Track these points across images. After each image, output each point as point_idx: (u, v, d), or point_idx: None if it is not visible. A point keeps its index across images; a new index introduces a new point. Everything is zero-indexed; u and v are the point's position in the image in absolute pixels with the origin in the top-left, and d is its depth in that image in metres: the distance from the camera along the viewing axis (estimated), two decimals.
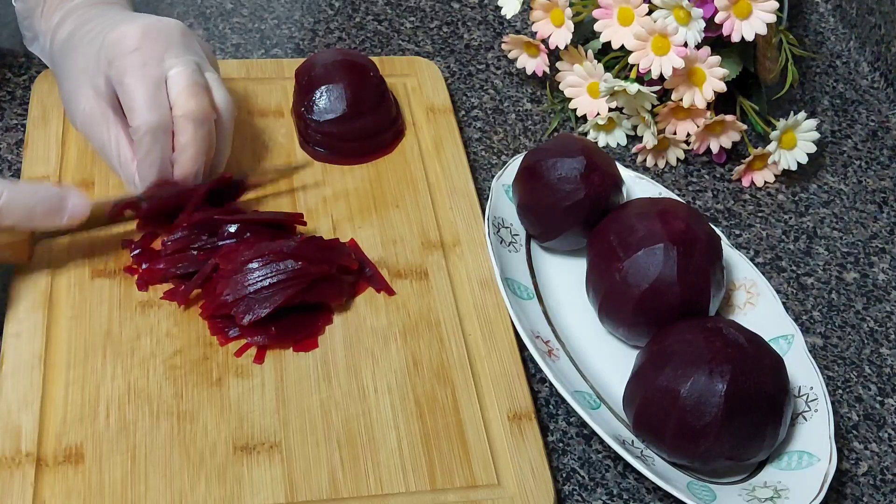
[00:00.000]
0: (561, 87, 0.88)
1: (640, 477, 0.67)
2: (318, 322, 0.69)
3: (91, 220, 0.68)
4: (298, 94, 0.80)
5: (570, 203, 0.72)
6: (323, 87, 0.79)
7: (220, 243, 0.70)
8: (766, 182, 0.87)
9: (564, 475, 0.66)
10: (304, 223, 0.73)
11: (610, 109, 0.86)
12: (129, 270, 0.70)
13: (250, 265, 0.67)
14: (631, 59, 0.82)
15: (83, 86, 0.70)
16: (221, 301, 0.67)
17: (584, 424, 0.69)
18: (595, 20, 0.83)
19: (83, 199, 0.66)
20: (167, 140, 0.68)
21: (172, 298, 0.68)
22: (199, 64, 0.70)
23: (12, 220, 0.64)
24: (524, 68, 0.89)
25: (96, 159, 0.76)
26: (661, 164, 0.87)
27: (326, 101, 0.78)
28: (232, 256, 0.68)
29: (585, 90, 0.87)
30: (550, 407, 0.69)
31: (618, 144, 0.88)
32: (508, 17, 0.89)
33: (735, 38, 0.81)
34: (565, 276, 0.76)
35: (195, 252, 0.70)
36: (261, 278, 0.67)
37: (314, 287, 0.68)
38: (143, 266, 0.69)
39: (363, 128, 0.79)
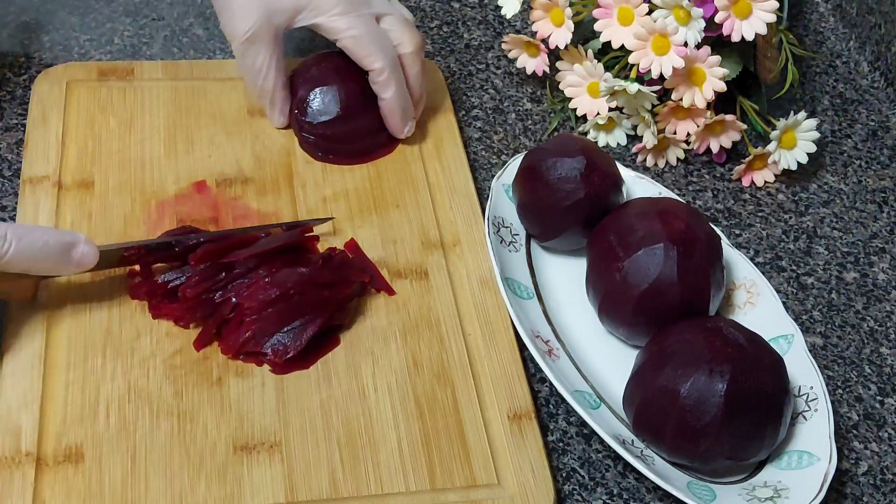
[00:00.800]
0: (561, 86, 0.88)
1: (640, 476, 0.67)
2: (328, 344, 0.68)
3: (99, 265, 0.67)
4: (294, 95, 0.80)
5: (570, 203, 0.72)
6: (317, 89, 0.79)
7: (234, 283, 0.68)
8: (766, 182, 0.87)
9: (564, 475, 0.66)
10: (317, 241, 0.73)
11: (610, 109, 0.86)
12: (131, 273, 0.69)
13: (275, 303, 0.67)
14: (631, 59, 0.82)
15: (254, 9, 0.75)
16: (246, 339, 0.66)
17: (584, 424, 0.69)
18: (595, 20, 0.83)
19: (92, 247, 0.65)
20: (401, 72, 0.78)
21: (185, 327, 0.68)
22: (396, 3, 0.80)
23: (19, 268, 0.62)
24: (524, 68, 0.89)
25: (96, 159, 0.76)
26: (661, 163, 0.87)
27: (320, 103, 0.79)
28: (253, 295, 0.67)
29: (585, 90, 0.87)
30: (550, 406, 0.69)
31: (618, 144, 0.88)
32: (508, 16, 0.89)
33: (735, 38, 0.81)
34: (565, 275, 0.76)
35: (212, 295, 0.68)
36: (288, 315, 0.67)
37: (335, 311, 0.68)
38: (155, 299, 0.68)
39: (358, 129, 0.80)
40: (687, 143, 0.86)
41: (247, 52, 0.76)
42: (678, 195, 0.83)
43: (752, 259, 0.80)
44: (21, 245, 0.61)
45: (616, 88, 0.82)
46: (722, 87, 0.81)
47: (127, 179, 0.75)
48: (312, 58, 0.82)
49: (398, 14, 0.79)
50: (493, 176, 0.82)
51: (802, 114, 0.83)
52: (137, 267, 0.69)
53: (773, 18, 0.80)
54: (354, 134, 0.80)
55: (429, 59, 0.90)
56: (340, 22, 0.76)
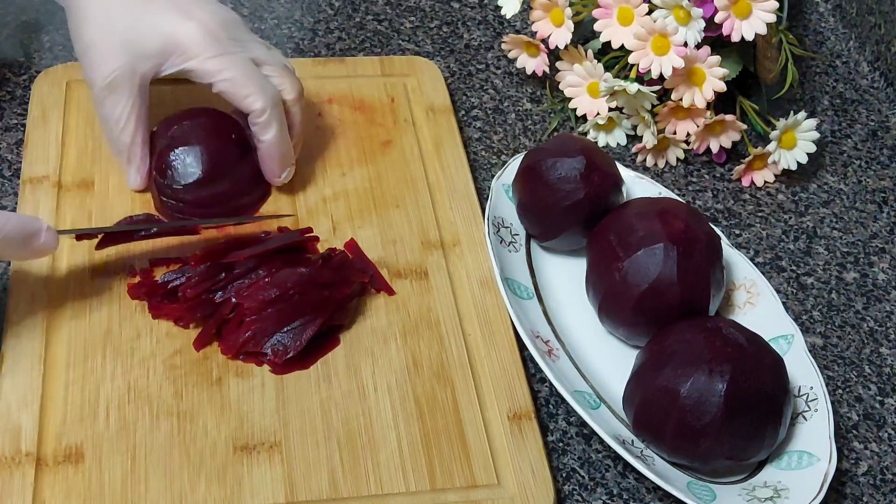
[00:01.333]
0: (561, 86, 0.88)
1: (640, 477, 0.67)
2: (328, 344, 0.68)
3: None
4: (152, 155, 0.73)
5: (570, 203, 0.72)
6: (178, 149, 0.72)
7: (234, 283, 0.68)
8: (765, 182, 0.87)
9: (564, 475, 0.66)
10: (317, 242, 0.73)
11: (610, 109, 0.86)
12: (131, 274, 0.70)
13: (275, 303, 0.67)
14: (631, 59, 0.82)
15: (117, 56, 0.69)
16: (246, 339, 0.66)
17: (584, 424, 0.69)
18: (595, 20, 0.83)
19: (53, 234, 0.63)
20: (283, 114, 0.73)
21: (185, 327, 0.68)
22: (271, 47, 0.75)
23: None
24: (524, 68, 0.89)
25: (96, 159, 0.76)
26: (661, 163, 0.87)
27: (181, 165, 0.72)
28: (252, 295, 0.67)
29: (585, 90, 0.87)
30: (550, 407, 0.69)
31: (618, 144, 0.88)
32: (508, 16, 0.89)
33: (735, 38, 0.81)
34: (565, 276, 0.76)
35: (212, 295, 0.68)
36: (288, 315, 0.67)
37: (335, 311, 0.68)
38: (155, 299, 0.68)
39: (223, 192, 0.73)
40: (687, 143, 0.86)
41: (105, 100, 0.70)
42: (678, 195, 0.83)
43: (751, 259, 0.80)
44: None
45: (616, 88, 0.82)
46: (722, 87, 0.81)
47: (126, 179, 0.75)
48: (176, 114, 0.75)
49: (278, 61, 0.73)
50: (493, 176, 0.82)
51: (802, 114, 0.83)
52: (137, 267, 0.70)
53: (772, 18, 0.80)
54: (218, 198, 0.73)
55: (429, 58, 0.90)
56: (214, 64, 0.70)
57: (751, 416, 0.63)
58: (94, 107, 0.72)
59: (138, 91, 0.70)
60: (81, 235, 0.69)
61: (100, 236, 0.69)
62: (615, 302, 0.69)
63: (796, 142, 0.84)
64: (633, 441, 0.66)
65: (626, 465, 0.67)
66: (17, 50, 0.85)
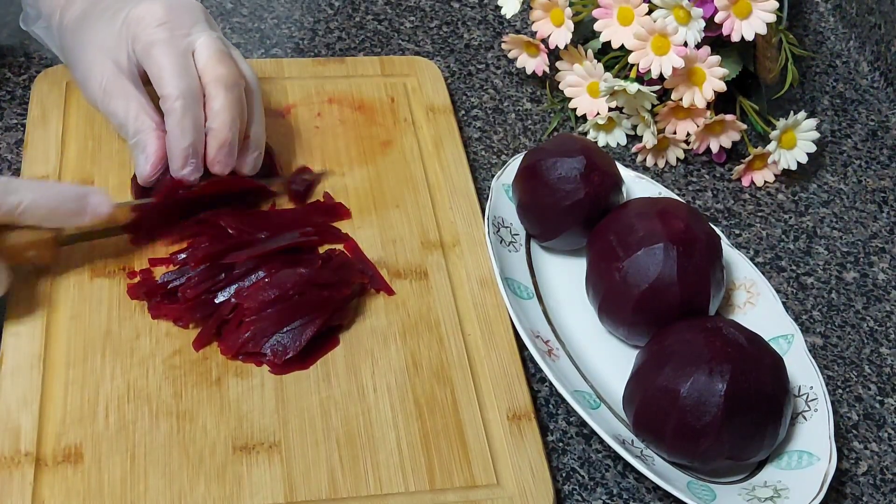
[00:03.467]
0: (561, 86, 0.88)
1: (640, 476, 0.67)
2: (327, 344, 0.68)
3: (116, 222, 0.69)
4: None
5: (570, 203, 0.72)
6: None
7: (234, 283, 0.68)
8: (765, 182, 0.87)
9: (564, 475, 0.66)
10: (319, 245, 0.73)
11: (610, 109, 0.86)
12: (130, 274, 0.69)
13: (274, 303, 0.67)
14: (631, 59, 0.82)
15: (102, 62, 0.70)
16: (245, 339, 0.66)
17: (583, 424, 0.69)
18: (595, 20, 0.83)
19: (106, 197, 0.66)
20: (199, 107, 0.68)
21: (184, 327, 0.68)
22: (222, 39, 0.72)
23: (35, 219, 0.64)
24: (524, 68, 0.89)
25: (96, 159, 0.76)
26: (661, 163, 0.87)
27: None
28: (252, 295, 0.67)
29: (585, 90, 0.87)
30: (550, 406, 0.69)
31: (618, 144, 0.88)
32: (508, 16, 0.89)
33: (735, 38, 0.81)
34: (565, 275, 0.76)
35: (212, 295, 0.68)
36: (288, 315, 0.67)
37: (335, 311, 0.68)
38: (154, 300, 0.68)
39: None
40: (687, 142, 0.86)
41: (109, 107, 0.70)
42: (678, 195, 0.83)
43: (751, 259, 0.80)
44: (36, 195, 0.63)
45: (616, 88, 0.82)
46: (722, 87, 0.81)
47: (127, 179, 0.75)
48: None
49: (214, 41, 0.70)
50: (492, 176, 0.82)
51: (802, 114, 0.83)
52: (136, 267, 0.70)
53: (772, 18, 0.80)
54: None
55: (429, 58, 0.90)
56: (148, 48, 0.68)
57: (751, 415, 0.62)
58: (111, 122, 0.72)
59: (133, 84, 0.70)
60: (140, 208, 0.70)
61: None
62: (615, 302, 0.69)
63: (796, 142, 0.84)
64: (632, 441, 0.66)
65: (626, 464, 0.67)
66: (17, 50, 0.85)
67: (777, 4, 0.80)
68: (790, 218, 0.85)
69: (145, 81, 0.71)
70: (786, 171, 0.87)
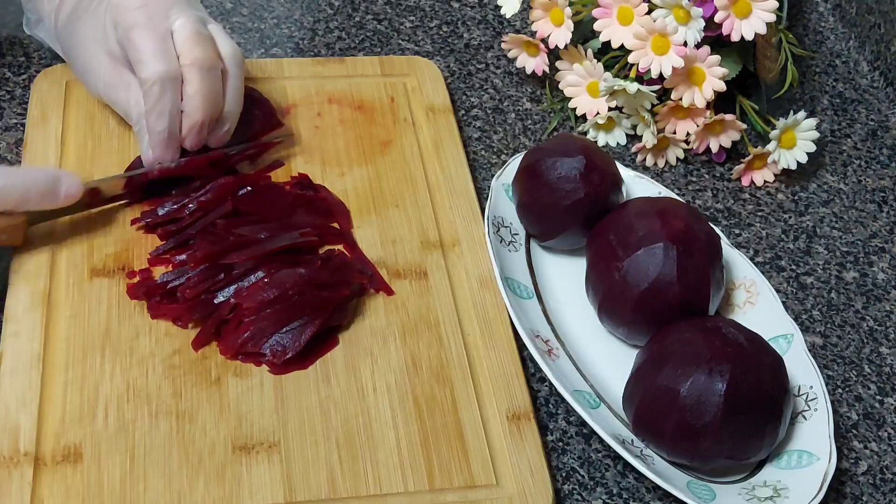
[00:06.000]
0: (560, 86, 0.88)
1: (639, 476, 0.67)
2: (327, 344, 0.68)
3: (87, 201, 0.70)
4: None
5: (570, 202, 0.72)
6: None
7: (233, 283, 0.68)
8: (765, 181, 0.87)
9: (564, 474, 0.66)
10: (319, 245, 0.73)
11: (609, 109, 0.86)
12: (130, 274, 0.69)
13: (274, 303, 0.67)
14: (630, 59, 0.82)
15: (97, 54, 0.72)
16: (245, 339, 0.66)
17: (583, 424, 0.69)
18: (595, 19, 0.83)
19: (76, 179, 0.67)
20: (176, 90, 0.69)
21: (184, 327, 0.68)
22: (202, 17, 0.72)
23: (8, 203, 0.65)
24: (524, 67, 0.89)
25: (96, 158, 0.76)
26: (661, 163, 0.87)
27: None
28: (252, 295, 0.67)
29: (585, 89, 0.87)
30: (550, 406, 0.69)
31: (617, 144, 0.88)
32: (508, 16, 0.89)
33: (735, 38, 0.81)
34: (565, 275, 0.76)
35: (211, 295, 0.68)
36: (287, 315, 0.67)
37: (334, 311, 0.68)
38: (154, 299, 0.68)
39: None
40: (686, 142, 0.86)
41: (112, 99, 0.73)
42: (678, 195, 0.83)
43: (751, 259, 0.80)
44: (7, 179, 0.64)
45: (616, 88, 0.82)
46: (721, 86, 0.81)
47: None
48: None
49: (191, 23, 0.70)
50: (492, 175, 0.82)
51: (802, 113, 0.83)
52: (136, 267, 0.70)
53: (772, 18, 0.80)
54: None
55: (428, 58, 0.90)
56: (129, 30, 0.69)
57: (750, 415, 0.62)
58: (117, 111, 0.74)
59: (130, 72, 0.71)
60: (112, 185, 0.71)
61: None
62: (615, 301, 0.69)
63: (796, 141, 0.84)
64: (632, 440, 0.66)
65: (626, 464, 0.67)
66: (17, 50, 0.85)
67: (777, 4, 0.80)
68: (790, 217, 0.85)
69: None
70: (785, 171, 0.87)
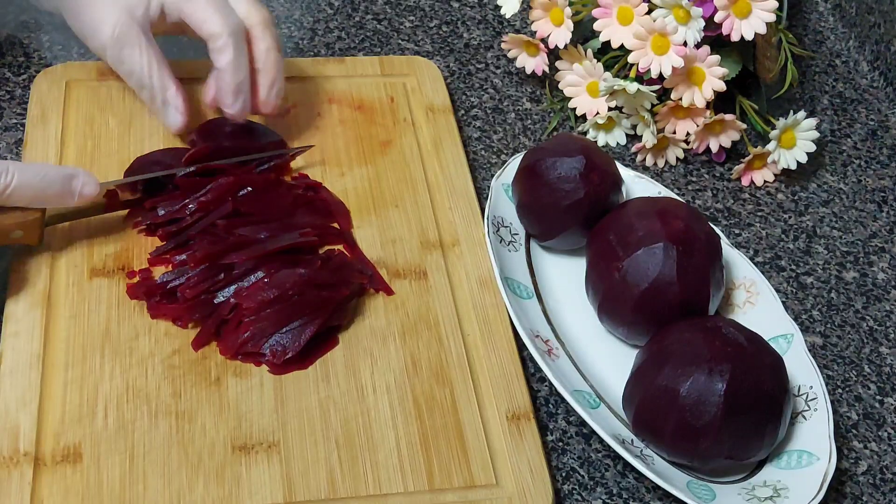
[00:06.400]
0: (560, 86, 0.88)
1: (639, 476, 0.67)
2: (326, 344, 0.68)
3: (105, 203, 0.70)
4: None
5: (570, 202, 0.72)
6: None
7: (236, 285, 0.68)
8: (765, 181, 0.87)
9: (564, 474, 0.66)
10: (319, 245, 0.73)
11: (609, 108, 0.86)
12: (130, 274, 0.69)
13: (274, 303, 0.67)
14: (630, 59, 0.82)
15: (114, 11, 0.72)
16: (244, 339, 0.66)
17: (583, 423, 0.69)
18: (594, 19, 0.83)
19: (92, 178, 0.67)
20: (245, 45, 0.73)
21: (184, 327, 0.68)
22: None
23: (23, 200, 0.65)
24: (523, 67, 0.89)
25: (95, 158, 0.76)
26: (661, 163, 0.87)
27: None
28: (251, 295, 0.67)
29: (585, 89, 0.87)
30: (550, 406, 0.69)
31: (617, 143, 0.88)
32: (508, 16, 0.89)
33: (734, 38, 0.81)
34: (565, 275, 0.76)
35: (211, 295, 0.68)
36: (287, 316, 0.67)
37: (334, 311, 0.68)
38: (154, 299, 0.68)
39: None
40: (686, 142, 0.85)
41: (121, 56, 0.73)
42: (677, 195, 0.83)
43: (751, 258, 0.80)
44: (23, 177, 0.64)
45: (615, 88, 0.82)
46: (721, 86, 0.81)
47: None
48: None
49: None
50: (492, 175, 0.82)
51: (802, 113, 0.83)
52: (136, 267, 0.70)
53: (772, 18, 0.80)
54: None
55: (428, 58, 0.90)
56: None
57: (750, 415, 0.62)
58: (115, 69, 0.75)
59: (145, 36, 0.73)
60: (123, 186, 0.71)
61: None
62: (615, 301, 0.69)
63: (796, 141, 0.84)
64: (632, 440, 0.66)
65: (626, 464, 0.67)
66: (17, 50, 0.85)
67: (777, 4, 0.80)
68: (790, 217, 0.85)
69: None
70: (785, 171, 0.87)
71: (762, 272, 0.76)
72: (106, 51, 0.74)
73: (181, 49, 0.83)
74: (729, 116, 0.83)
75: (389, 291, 0.72)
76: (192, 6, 0.73)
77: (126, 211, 0.72)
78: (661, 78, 0.81)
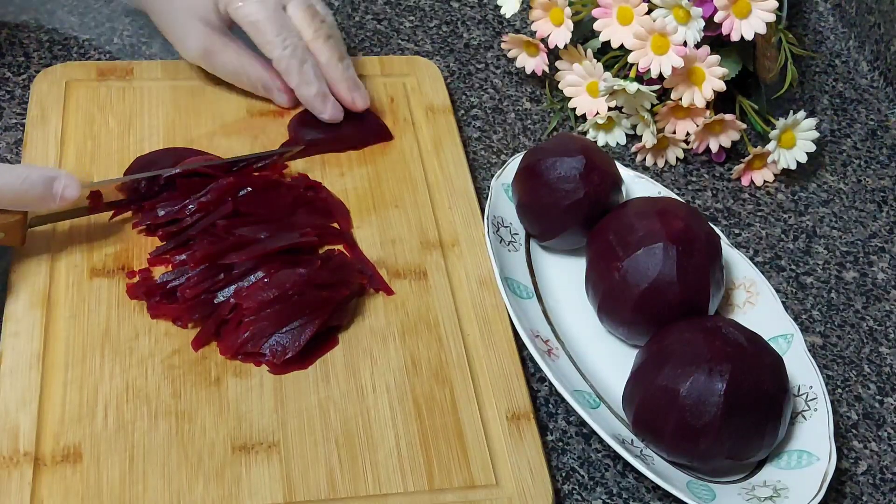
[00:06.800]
0: (560, 86, 0.88)
1: (639, 476, 0.67)
2: (326, 344, 0.68)
3: (88, 205, 0.70)
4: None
5: (570, 202, 0.72)
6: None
7: (235, 285, 0.68)
8: (765, 181, 0.87)
9: (564, 474, 0.66)
10: (319, 245, 0.73)
11: (609, 108, 0.86)
12: (130, 274, 0.69)
13: (274, 303, 0.67)
14: (630, 59, 0.82)
15: (195, 26, 0.77)
16: (244, 339, 0.66)
17: (583, 423, 0.69)
18: (594, 19, 0.83)
19: (74, 180, 0.67)
20: (309, 56, 0.78)
21: (184, 327, 0.68)
22: None
23: (3, 203, 0.64)
24: (523, 67, 0.89)
25: (95, 158, 0.76)
26: (661, 163, 0.87)
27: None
28: (251, 295, 0.67)
29: (585, 89, 0.87)
30: (550, 406, 0.69)
31: (617, 144, 0.87)
32: (508, 16, 0.89)
33: (734, 38, 0.81)
34: (565, 275, 0.76)
35: (211, 295, 0.68)
36: (287, 316, 0.67)
37: (334, 311, 0.68)
38: (154, 299, 0.68)
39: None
40: (686, 142, 0.85)
41: (215, 64, 0.79)
42: (677, 195, 0.83)
43: (751, 258, 0.80)
44: (3, 180, 0.64)
45: (615, 88, 0.82)
46: (721, 86, 0.81)
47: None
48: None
49: (301, 1, 0.78)
50: (492, 175, 0.82)
51: (802, 113, 0.83)
52: (136, 267, 0.70)
53: (772, 18, 0.80)
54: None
55: (428, 58, 0.90)
56: (244, 10, 0.77)
57: (750, 415, 0.62)
58: (219, 75, 0.80)
59: (227, 38, 0.78)
60: (109, 187, 0.71)
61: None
62: (615, 301, 0.69)
63: (796, 141, 0.84)
64: (632, 440, 0.66)
65: (626, 464, 0.67)
66: (16, 50, 0.85)
67: (776, 4, 0.80)
68: (790, 217, 0.85)
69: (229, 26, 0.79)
70: (785, 171, 0.87)
71: (762, 272, 0.76)
72: (198, 62, 0.79)
73: None
74: (729, 116, 0.83)
75: (389, 291, 0.72)
76: (252, 28, 0.77)
77: (112, 211, 0.72)
78: (661, 78, 0.81)
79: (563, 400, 0.68)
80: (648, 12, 0.81)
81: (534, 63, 0.88)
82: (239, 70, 0.79)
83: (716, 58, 0.80)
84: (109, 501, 0.59)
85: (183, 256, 0.70)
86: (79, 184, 0.67)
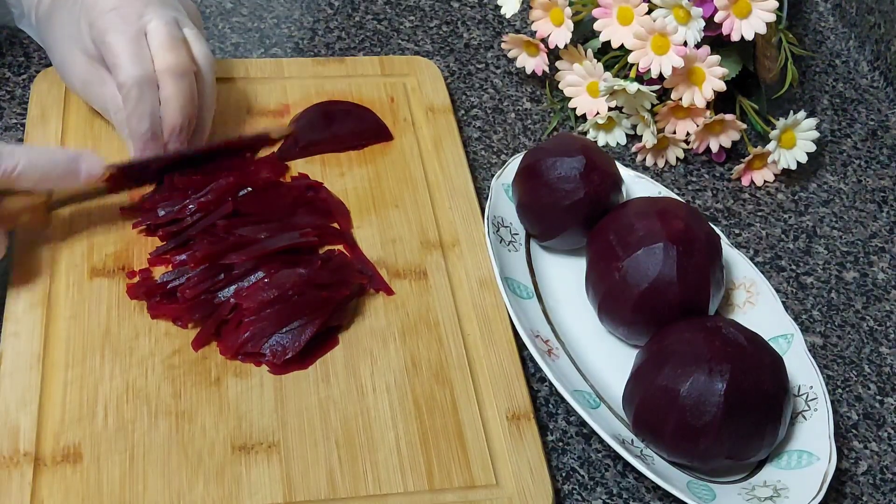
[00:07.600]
0: (560, 86, 0.88)
1: (639, 476, 0.67)
2: (326, 344, 0.68)
3: (109, 185, 0.71)
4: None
5: (570, 202, 0.72)
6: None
7: (236, 285, 0.68)
8: (765, 181, 0.87)
9: (564, 474, 0.66)
10: (319, 245, 0.73)
11: (609, 108, 0.86)
12: (130, 274, 0.69)
13: (274, 303, 0.67)
14: (630, 59, 0.82)
15: (73, 51, 0.72)
16: (245, 340, 0.66)
17: (583, 423, 0.69)
18: (594, 19, 0.83)
19: (98, 159, 0.67)
20: (153, 93, 0.70)
21: (184, 327, 0.68)
22: (177, 19, 0.71)
23: (29, 183, 0.65)
24: (524, 67, 0.89)
25: None
26: (661, 163, 0.87)
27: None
28: (252, 296, 0.67)
29: (585, 89, 0.87)
30: (550, 406, 0.69)
31: (617, 144, 0.88)
32: (508, 16, 0.89)
33: (735, 38, 0.81)
34: (565, 275, 0.76)
35: (211, 295, 0.68)
36: (287, 316, 0.67)
37: (334, 311, 0.68)
38: (154, 299, 0.68)
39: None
40: (686, 142, 0.85)
41: (90, 95, 0.74)
42: (678, 195, 0.83)
43: (751, 258, 0.80)
44: (30, 158, 0.64)
45: (615, 88, 0.82)
46: (721, 86, 0.81)
47: None
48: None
49: (164, 26, 0.70)
50: (492, 175, 0.82)
51: (802, 113, 0.83)
52: (136, 267, 0.70)
53: (772, 18, 0.80)
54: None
55: (428, 58, 0.90)
56: (101, 28, 0.69)
57: (750, 415, 0.62)
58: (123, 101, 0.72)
59: (105, 70, 0.71)
60: (133, 168, 0.71)
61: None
62: (615, 301, 0.69)
63: (796, 141, 0.84)
64: (632, 440, 0.66)
65: (626, 464, 0.67)
66: (16, 50, 0.85)
67: (777, 4, 0.80)
68: (790, 217, 0.85)
69: None
70: (785, 171, 0.87)
71: (762, 272, 0.76)
72: (77, 92, 0.75)
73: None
74: (729, 116, 0.83)
75: (389, 291, 0.72)
76: (104, 49, 0.69)
77: (125, 207, 0.73)
78: (661, 78, 0.81)
79: (563, 400, 0.68)
80: (648, 12, 0.81)
81: (534, 63, 0.88)
82: (105, 105, 0.73)
83: (716, 58, 0.80)
84: (109, 501, 0.59)
85: (183, 256, 0.70)
86: (101, 161, 0.68)
